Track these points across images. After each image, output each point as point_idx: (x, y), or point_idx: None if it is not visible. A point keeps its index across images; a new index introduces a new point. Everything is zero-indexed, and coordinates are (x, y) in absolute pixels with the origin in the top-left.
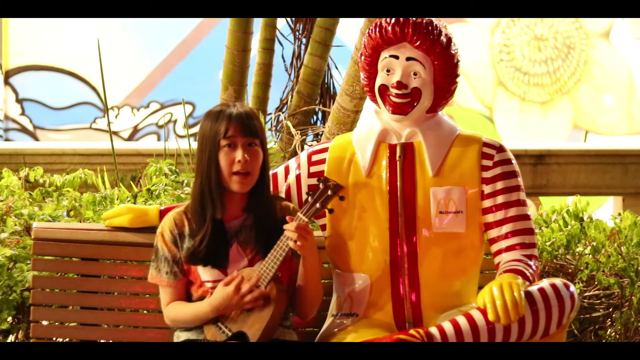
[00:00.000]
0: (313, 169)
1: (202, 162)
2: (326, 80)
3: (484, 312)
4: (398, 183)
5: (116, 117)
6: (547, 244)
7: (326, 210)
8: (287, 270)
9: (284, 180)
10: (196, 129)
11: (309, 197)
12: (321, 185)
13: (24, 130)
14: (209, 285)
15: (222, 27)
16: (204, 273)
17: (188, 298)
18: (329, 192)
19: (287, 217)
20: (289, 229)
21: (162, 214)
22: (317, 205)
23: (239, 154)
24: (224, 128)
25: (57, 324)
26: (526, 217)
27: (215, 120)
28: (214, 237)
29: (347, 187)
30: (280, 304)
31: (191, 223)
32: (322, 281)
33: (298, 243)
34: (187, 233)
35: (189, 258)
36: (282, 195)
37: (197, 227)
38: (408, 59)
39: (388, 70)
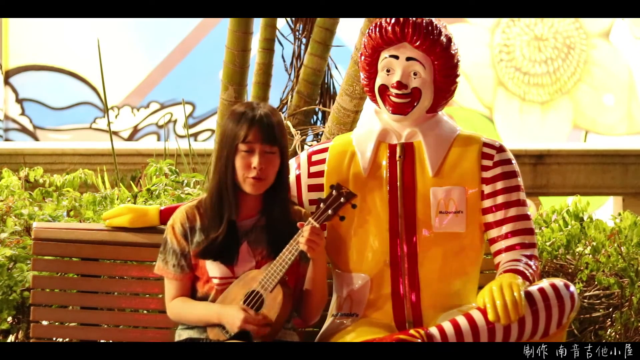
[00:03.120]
0: (313, 169)
1: (221, 162)
2: (326, 80)
3: (484, 312)
4: (398, 183)
5: (116, 117)
6: (547, 244)
7: (337, 217)
8: (294, 273)
9: None
10: (196, 129)
11: (322, 203)
12: (334, 192)
13: (24, 130)
14: (215, 281)
15: (222, 27)
16: (212, 269)
17: (193, 293)
18: (342, 200)
19: (298, 224)
20: (303, 234)
21: (162, 214)
22: (329, 211)
23: (255, 160)
24: (243, 133)
25: (57, 324)
26: (526, 217)
27: (237, 122)
28: (228, 236)
29: (346, 187)
30: (286, 307)
31: (203, 218)
32: None
33: (311, 248)
34: (199, 227)
35: (200, 253)
36: None
37: (213, 226)
38: (408, 59)
39: (388, 70)
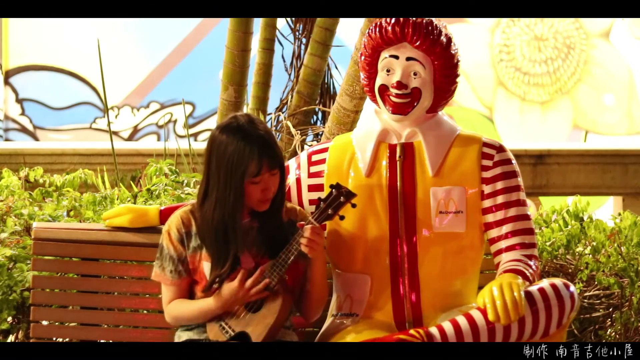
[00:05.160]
0: (313, 169)
1: (225, 195)
2: (326, 80)
3: (484, 312)
4: (398, 183)
5: (116, 117)
6: (547, 244)
7: (337, 216)
8: (293, 272)
9: None
10: (196, 129)
11: (321, 203)
12: (334, 192)
13: (24, 130)
14: (214, 285)
15: (222, 27)
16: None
17: (192, 298)
18: (342, 199)
19: (298, 224)
20: (303, 234)
21: (162, 214)
22: (329, 211)
23: (265, 186)
24: (255, 169)
25: (57, 324)
26: (526, 217)
27: (242, 155)
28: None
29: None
30: (286, 306)
31: (198, 222)
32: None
33: (311, 248)
34: (194, 232)
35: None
36: None
37: (217, 263)
38: (408, 59)
39: (388, 70)
